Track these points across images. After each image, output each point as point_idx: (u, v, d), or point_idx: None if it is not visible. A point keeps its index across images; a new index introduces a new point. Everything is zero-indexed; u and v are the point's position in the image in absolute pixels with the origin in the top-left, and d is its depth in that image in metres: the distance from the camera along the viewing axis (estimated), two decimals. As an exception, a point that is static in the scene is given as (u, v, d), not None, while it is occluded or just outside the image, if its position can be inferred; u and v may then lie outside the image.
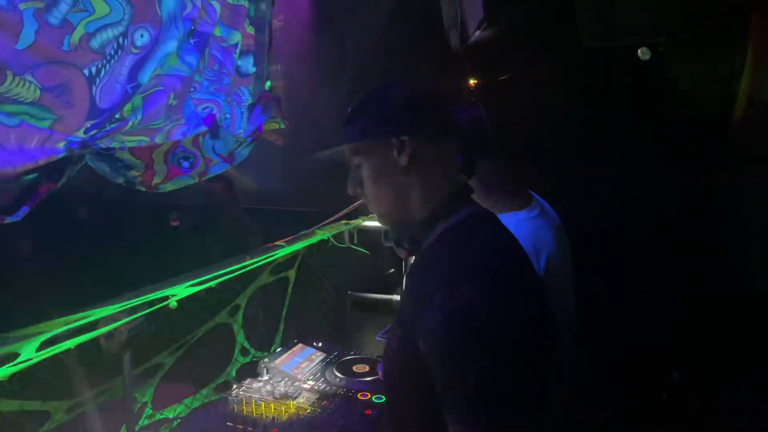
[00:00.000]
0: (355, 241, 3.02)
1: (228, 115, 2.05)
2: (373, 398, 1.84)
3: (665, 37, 2.76)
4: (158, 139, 1.82)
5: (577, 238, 1.72)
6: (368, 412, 1.75)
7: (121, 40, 1.51)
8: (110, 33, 1.48)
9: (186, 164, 1.91)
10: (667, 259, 2.80)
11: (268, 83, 2.24)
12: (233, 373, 2.43)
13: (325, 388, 1.92)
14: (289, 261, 2.81)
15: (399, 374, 1.05)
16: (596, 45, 2.63)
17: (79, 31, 1.42)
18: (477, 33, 2.71)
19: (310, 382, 1.96)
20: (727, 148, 2.79)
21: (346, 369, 2.04)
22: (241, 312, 2.53)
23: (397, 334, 1.07)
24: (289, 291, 2.87)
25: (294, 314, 2.77)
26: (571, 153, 2.89)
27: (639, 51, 2.87)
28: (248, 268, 2.21)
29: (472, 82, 2.89)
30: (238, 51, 2.05)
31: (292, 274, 2.87)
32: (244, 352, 2.53)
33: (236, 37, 2.05)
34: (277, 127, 2.49)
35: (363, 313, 3.06)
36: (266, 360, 2.10)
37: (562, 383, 1.65)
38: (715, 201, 2.78)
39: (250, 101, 2.15)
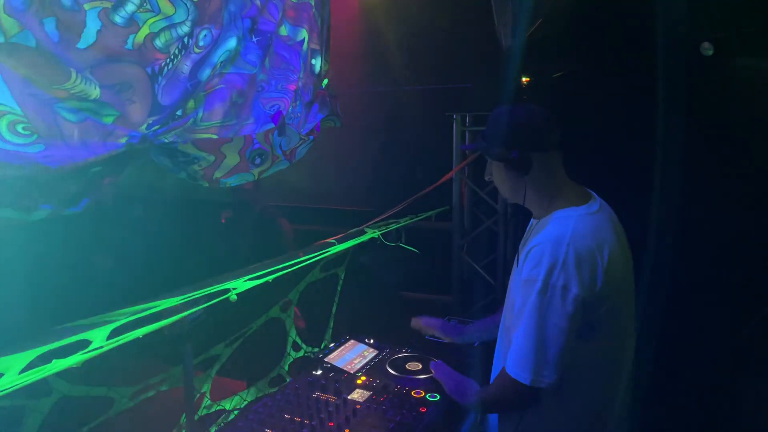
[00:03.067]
0: (403, 240, 3.02)
1: (299, 114, 2.09)
2: (426, 396, 1.83)
3: (728, 32, 2.66)
4: (228, 135, 1.85)
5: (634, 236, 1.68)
6: (423, 409, 1.75)
7: (186, 40, 1.55)
8: (175, 33, 1.52)
9: (258, 161, 1.95)
10: (727, 258, 2.69)
11: (325, 81, 2.26)
12: (286, 368, 2.47)
13: (378, 384, 1.92)
14: (339, 258, 2.84)
15: None
16: (660, 39, 2.55)
17: (144, 31, 1.47)
18: (532, 30, 2.67)
19: (364, 378, 1.97)
20: None
21: (399, 366, 2.04)
22: (292, 307, 2.57)
23: None
24: (339, 288, 2.90)
25: (344, 311, 2.79)
26: (632, 150, 2.81)
27: (702, 46, 2.77)
28: (300, 265, 2.24)
29: (525, 79, 2.84)
30: (305, 48, 2.08)
31: (341, 271, 2.90)
32: (296, 347, 2.56)
33: (302, 35, 2.08)
34: (333, 125, 2.51)
35: (412, 311, 3.06)
36: (320, 355, 2.12)
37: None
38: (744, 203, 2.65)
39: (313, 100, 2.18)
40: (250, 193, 3.93)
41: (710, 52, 2.74)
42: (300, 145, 2.37)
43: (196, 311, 1.64)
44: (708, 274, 2.68)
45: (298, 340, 2.57)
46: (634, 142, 2.77)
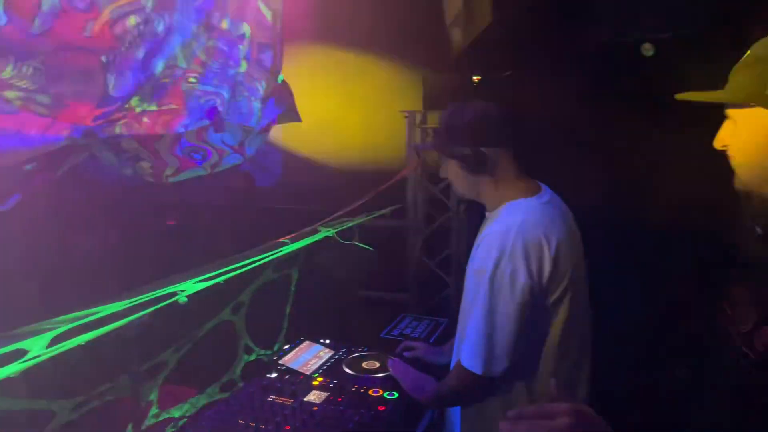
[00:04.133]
0: (357, 238, 3.00)
1: (243, 109, 2.02)
2: (384, 394, 1.82)
3: (669, 33, 2.77)
4: (157, 129, 1.77)
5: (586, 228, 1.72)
6: (381, 408, 1.73)
7: (141, 27, 1.47)
8: (132, 20, 1.44)
9: (198, 156, 1.88)
10: (669, 251, 2.80)
11: (281, 77, 2.21)
12: (238, 372, 2.40)
13: (335, 384, 1.89)
14: (293, 258, 2.78)
15: None
16: (603, 39, 2.64)
17: (104, 17, 1.38)
18: (483, 29, 2.70)
19: (320, 379, 1.93)
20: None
21: (356, 365, 2.02)
22: (244, 309, 2.50)
23: None
24: (292, 288, 2.84)
25: (298, 312, 2.74)
26: (574, 146, 2.89)
27: (642, 47, 2.88)
28: (252, 266, 2.19)
29: (476, 78, 2.88)
30: (247, 42, 2.02)
31: (295, 271, 2.84)
32: (248, 350, 2.49)
33: (243, 29, 2.03)
34: (294, 121, 2.47)
35: (367, 310, 3.04)
36: (274, 357, 2.07)
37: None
38: (715, 196, 2.78)
39: (264, 94, 2.13)
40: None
41: (651, 53, 2.85)
42: (248, 137, 2.30)
43: (142, 315, 1.57)
44: (649, 264, 2.79)
45: (251, 343, 2.51)
46: (581, 139, 2.85)
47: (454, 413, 1.82)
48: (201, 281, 1.85)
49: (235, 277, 2.09)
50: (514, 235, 1.48)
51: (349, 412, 1.69)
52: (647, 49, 2.86)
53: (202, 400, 2.20)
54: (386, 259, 3.20)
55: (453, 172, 1.70)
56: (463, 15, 2.97)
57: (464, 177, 1.67)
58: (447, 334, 2.57)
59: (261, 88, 2.20)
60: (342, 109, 3.05)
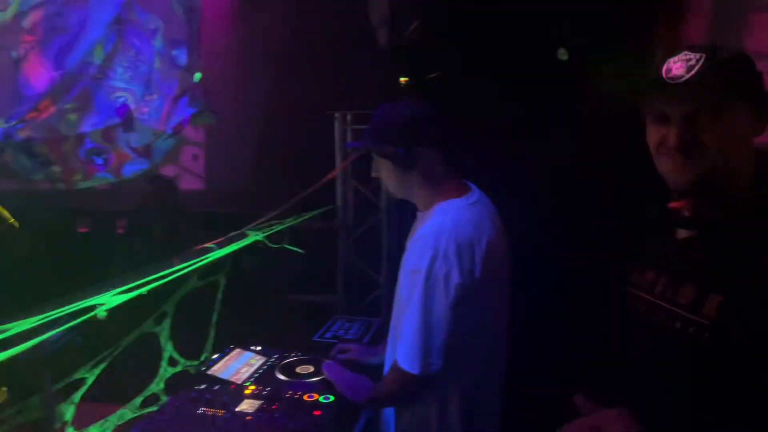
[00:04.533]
0: (287, 241, 2.94)
1: (153, 107, 1.92)
2: (320, 399, 1.79)
3: (582, 40, 2.92)
4: (64, 129, 1.66)
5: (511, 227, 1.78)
6: (317, 413, 1.70)
7: (54, 20, 1.36)
8: (44, 11, 1.33)
9: (99, 160, 1.76)
10: (585, 249, 2.95)
11: (198, 75, 2.12)
12: (162, 385, 2.28)
13: (268, 392, 1.84)
14: (219, 264, 2.69)
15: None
16: (519, 43, 2.74)
17: (14, 9, 1.26)
18: (409, 32, 2.73)
19: (252, 387, 1.88)
20: (639, 149, 2.99)
21: (289, 371, 1.98)
22: (168, 320, 2.38)
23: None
24: (220, 295, 2.74)
25: (226, 319, 2.64)
26: (495, 148, 2.98)
27: (558, 52, 3.02)
28: (176, 274, 2.10)
29: (403, 79, 2.90)
30: (159, 37, 1.92)
31: (222, 277, 2.75)
32: (173, 362, 2.38)
33: (155, 23, 1.93)
34: (208, 122, 2.37)
35: (299, 314, 2.99)
36: (202, 368, 1.99)
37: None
38: (624, 199, 2.97)
39: (178, 93, 2.03)
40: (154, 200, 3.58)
41: (565, 57, 2.99)
42: (155, 141, 2.20)
43: (56, 333, 1.45)
44: (569, 263, 2.92)
45: (176, 355, 2.39)
46: (503, 140, 2.94)
47: (389, 413, 1.83)
48: (121, 293, 1.74)
49: (159, 286, 1.99)
50: (447, 236, 1.50)
51: (284, 420, 1.65)
52: (562, 54, 3.00)
53: (124, 417, 2.07)
54: (317, 261, 3.17)
55: (385, 171, 1.70)
56: (389, 16, 2.99)
57: (396, 176, 1.67)
58: (380, 334, 2.57)
59: (173, 86, 2.10)
60: (269, 109, 2.98)
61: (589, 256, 2.73)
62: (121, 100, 1.85)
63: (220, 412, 1.70)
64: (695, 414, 1.06)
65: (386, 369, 1.81)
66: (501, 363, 1.69)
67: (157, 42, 1.88)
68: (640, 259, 1.27)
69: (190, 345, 2.52)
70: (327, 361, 1.95)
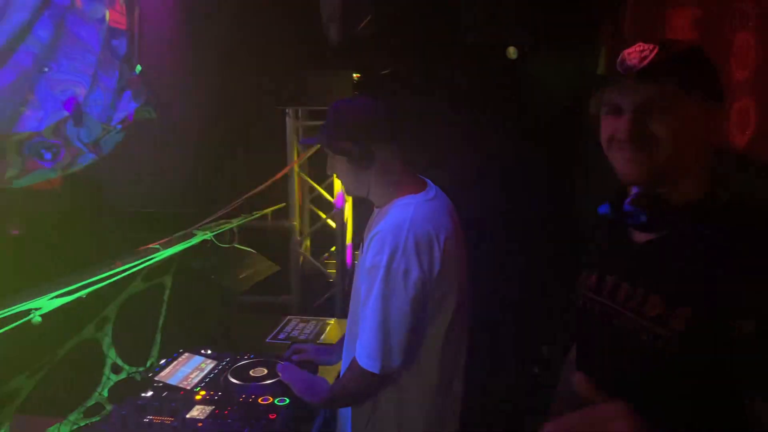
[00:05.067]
0: (237, 241, 2.85)
1: (100, 101, 1.81)
2: (275, 401, 1.74)
3: (530, 39, 2.98)
4: (4, 127, 1.54)
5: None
6: (272, 416, 1.64)
7: None
8: None
9: (48, 155, 1.64)
10: (535, 241, 3.01)
11: (138, 67, 2.01)
12: (105, 394, 2.16)
13: (220, 397, 1.77)
14: (165, 265, 2.57)
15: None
16: (472, 41, 2.76)
17: None
18: (360, 27, 2.70)
19: (203, 393, 1.80)
20: (582, 144, 3.08)
21: (242, 374, 1.90)
22: (110, 325, 2.26)
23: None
24: (166, 298, 2.63)
25: (174, 323, 2.53)
26: (449, 143, 2.99)
27: (507, 50, 3.07)
28: (118, 276, 1.99)
29: (355, 75, 2.87)
30: (105, 27, 1.82)
31: (168, 279, 2.63)
32: (116, 369, 2.26)
33: (100, 11, 1.82)
34: (148, 116, 2.27)
35: (250, 315, 2.90)
36: (149, 374, 1.89)
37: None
38: (572, 189, 3.05)
39: (119, 85, 1.92)
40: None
41: (515, 56, 3.05)
42: (104, 135, 2.08)
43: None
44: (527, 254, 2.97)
45: (119, 361, 2.27)
46: (457, 136, 2.96)
47: (345, 413, 1.79)
48: (59, 296, 1.63)
49: (99, 289, 1.88)
50: (405, 231, 1.49)
51: (237, 425, 1.59)
52: (511, 53, 3.05)
53: (63, 429, 1.95)
54: (270, 261, 3.09)
55: (341, 168, 1.66)
56: (340, 11, 2.94)
57: (352, 174, 1.64)
58: (334, 334, 2.53)
59: (114, 78, 1.99)
60: (218, 105, 2.88)
61: (544, 255, 2.78)
62: (68, 93, 1.73)
63: (169, 420, 1.62)
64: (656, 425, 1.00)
65: (344, 368, 1.77)
66: (461, 359, 1.69)
67: (103, 31, 1.77)
68: (598, 263, 1.22)
69: (135, 351, 2.40)
70: (282, 363, 1.89)
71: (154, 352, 2.47)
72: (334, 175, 1.76)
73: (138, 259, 2.14)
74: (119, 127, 2.09)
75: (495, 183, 3.03)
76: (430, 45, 2.95)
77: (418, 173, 1.74)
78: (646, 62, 1.03)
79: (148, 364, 2.31)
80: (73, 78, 1.71)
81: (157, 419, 1.62)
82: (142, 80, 2.08)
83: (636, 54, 1.05)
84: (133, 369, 2.28)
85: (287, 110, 2.94)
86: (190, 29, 2.62)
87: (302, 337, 2.46)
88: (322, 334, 2.48)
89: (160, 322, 2.55)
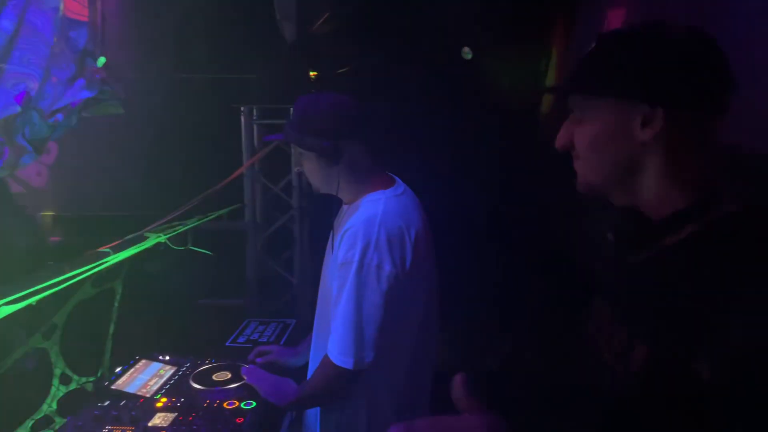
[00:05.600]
0: (191, 243, 2.76)
1: (49, 94, 1.71)
2: (242, 405, 1.69)
3: (484, 39, 3.04)
4: None
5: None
6: (239, 420, 1.60)
7: None
8: None
9: None
10: (494, 235, 3.07)
11: (102, 59, 1.92)
12: (54, 406, 2.04)
13: (183, 403, 1.70)
14: (114, 270, 2.46)
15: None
16: (428, 41, 2.79)
17: None
18: (317, 25, 2.68)
19: (164, 400, 1.73)
20: (534, 140, 3.16)
21: (205, 379, 1.84)
22: (59, 333, 2.14)
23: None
24: (116, 304, 2.52)
25: (127, 329, 2.43)
26: (405, 143, 3.01)
27: (462, 51, 3.12)
28: (68, 282, 1.89)
29: (313, 73, 2.84)
30: (59, 17, 1.72)
31: (118, 284, 2.52)
32: (65, 379, 2.14)
33: (55, 0, 1.72)
34: (115, 111, 2.17)
35: (208, 319, 2.82)
36: (105, 383, 1.81)
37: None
38: (522, 186, 3.13)
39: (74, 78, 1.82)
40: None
41: (469, 56, 3.10)
42: (51, 133, 1.97)
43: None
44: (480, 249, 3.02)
45: (69, 371, 2.16)
46: (416, 134, 2.98)
47: (313, 414, 1.77)
48: (6, 304, 1.53)
49: (47, 296, 1.78)
50: (377, 226, 1.48)
51: (204, 430, 1.53)
52: (466, 53, 3.10)
53: (12, 445, 1.83)
54: (225, 263, 3.01)
55: (309, 165, 1.64)
56: (294, 10, 2.91)
57: (321, 170, 1.62)
58: (296, 335, 2.49)
59: (70, 71, 1.88)
60: (172, 102, 2.78)
61: (491, 252, 2.82)
62: (21, 87, 1.62)
63: (130, 429, 1.54)
64: None
65: (312, 367, 1.75)
66: (430, 356, 1.69)
67: (58, 21, 1.67)
68: (597, 282, 1.08)
69: (84, 360, 2.28)
70: (246, 366, 1.85)
71: (106, 360, 2.36)
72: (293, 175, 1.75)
73: (88, 264, 2.04)
74: (60, 117, 1.96)
75: (449, 181, 3.07)
76: (386, 44, 2.96)
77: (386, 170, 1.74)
78: (576, 67, 0.94)
79: (99, 374, 2.21)
80: (25, 71, 1.60)
81: (116, 429, 1.54)
82: (104, 73, 1.98)
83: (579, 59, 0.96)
84: (84, 379, 2.17)
85: (242, 108, 2.88)
86: (145, 24, 2.52)
87: (263, 339, 2.41)
88: (284, 336, 2.44)
89: (111, 329, 2.44)
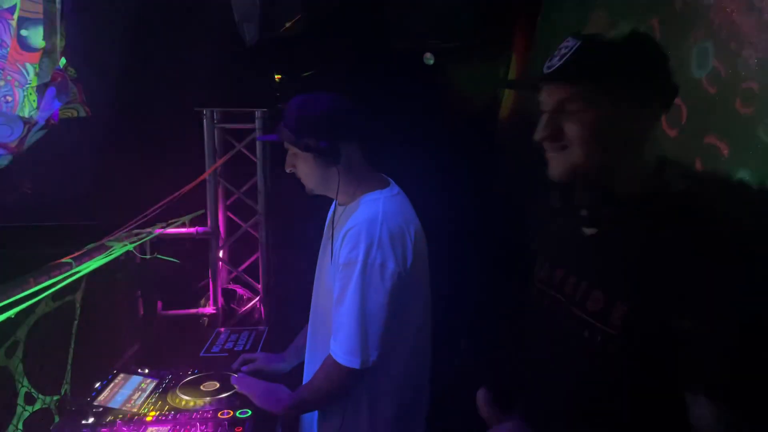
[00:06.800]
0: (150, 253, 2.65)
1: (9, 97, 1.60)
2: (237, 414, 1.65)
3: (445, 44, 3.12)
4: None
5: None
6: (238, 429, 1.56)
7: None
8: None
9: None
10: (457, 239, 3.14)
11: (63, 60, 1.81)
12: (20, 427, 1.91)
13: (175, 416, 1.64)
14: (75, 282, 2.33)
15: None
16: (393, 46, 2.83)
17: None
18: (286, 28, 2.65)
19: (154, 413, 1.66)
20: (494, 145, 3.28)
21: (192, 390, 1.78)
22: (21, 349, 2.00)
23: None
24: (77, 318, 2.38)
25: (88, 344, 2.29)
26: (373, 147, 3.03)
27: (424, 56, 3.19)
28: (37, 298, 1.80)
29: (277, 76, 2.80)
30: (15, 17, 1.62)
31: (78, 296, 2.38)
32: (30, 399, 2.01)
33: (12, 0, 1.62)
34: (76, 115, 2.05)
35: (172, 330, 2.71)
36: (87, 399, 1.71)
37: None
38: (486, 188, 3.24)
39: (34, 81, 1.71)
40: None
41: (431, 62, 3.17)
42: (27, 133, 1.86)
43: None
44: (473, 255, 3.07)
45: (33, 391, 2.02)
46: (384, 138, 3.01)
47: (310, 418, 1.76)
48: (-20, 318, 1.42)
49: (8, 308, 1.67)
50: (380, 225, 1.50)
51: (204, 443, 1.49)
52: (428, 58, 3.17)
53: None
54: (188, 271, 2.91)
55: (304, 166, 1.63)
56: (257, 12, 2.86)
57: (318, 170, 1.62)
58: (271, 342, 2.45)
59: (27, 73, 1.77)
60: (132, 105, 2.65)
61: (497, 251, 2.87)
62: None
63: (124, 446, 1.47)
64: (596, 426, 1.00)
65: (307, 369, 1.74)
66: (428, 354, 1.72)
67: (14, 22, 1.57)
68: (549, 254, 1.20)
69: (45, 378, 2.14)
70: (236, 375, 1.80)
71: (67, 377, 2.23)
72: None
73: (53, 276, 1.92)
74: (41, 123, 1.86)
75: (416, 184, 3.12)
76: (351, 49, 2.97)
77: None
78: (562, 61, 0.99)
79: (63, 392, 2.08)
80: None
81: (110, 447, 1.46)
82: (68, 76, 1.87)
83: (558, 52, 1.01)
84: (48, 398, 2.04)
85: (204, 112, 2.80)
86: (107, 25, 2.41)
87: (238, 348, 2.35)
88: (259, 343, 2.39)
89: (72, 344, 2.30)
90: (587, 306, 1.02)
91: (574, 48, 0.98)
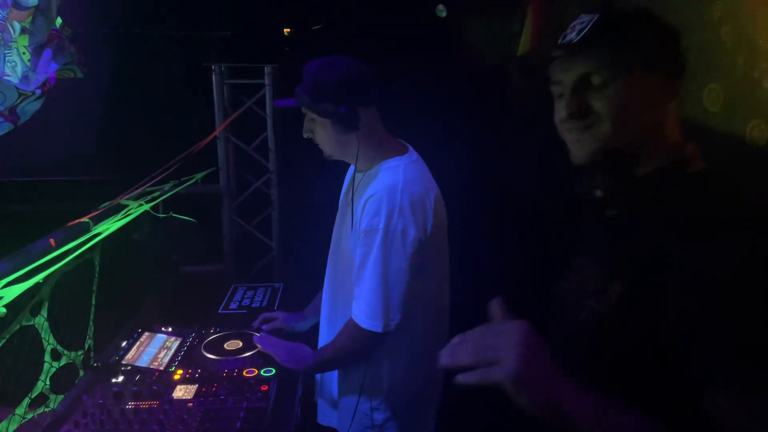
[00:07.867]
0: (164, 211, 2.67)
1: (15, 62, 1.57)
2: (262, 372, 1.71)
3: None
4: None
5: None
6: (264, 387, 1.62)
7: None
8: None
9: None
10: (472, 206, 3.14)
11: (59, 20, 1.75)
12: (48, 382, 1.98)
13: (201, 374, 1.70)
14: (91, 241, 2.36)
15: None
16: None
17: None
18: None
19: (180, 372, 1.72)
20: (508, 100, 3.23)
21: (217, 349, 1.84)
22: (45, 308, 2.05)
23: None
24: (96, 276, 2.42)
25: (108, 301, 2.35)
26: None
27: (437, 8, 3.09)
28: (52, 254, 1.81)
29: (286, 30, 2.73)
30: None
31: (97, 255, 2.42)
32: (56, 355, 2.07)
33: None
34: (72, 75, 2.01)
35: (190, 287, 2.76)
36: (115, 357, 1.77)
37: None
38: (500, 144, 3.21)
39: (22, 40, 1.66)
40: None
41: (444, 14, 3.08)
42: (21, 102, 1.83)
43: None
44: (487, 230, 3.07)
45: (59, 347, 2.08)
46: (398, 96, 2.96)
47: (329, 377, 1.82)
48: (11, 283, 1.45)
49: (35, 270, 1.70)
50: (400, 192, 1.50)
51: (232, 400, 1.55)
52: (440, 10, 3.08)
53: (13, 424, 1.77)
54: (200, 229, 2.93)
55: (322, 132, 1.62)
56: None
57: (337, 137, 1.60)
58: (287, 298, 2.50)
59: (13, 30, 1.70)
60: (140, 62, 2.60)
61: (515, 215, 2.86)
62: None
63: (155, 403, 1.53)
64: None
65: (323, 331, 1.79)
66: (445, 323, 1.76)
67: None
68: (571, 240, 1.17)
69: (70, 335, 2.21)
70: (258, 333, 1.85)
71: (90, 333, 2.29)
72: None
73: (74, 235, 1.94)
74: (39, 92, 1.83)
75: (424, 145, 3.10)
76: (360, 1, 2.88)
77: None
78: (582, 35, 0.96)
79: (87, 347, 2.14)
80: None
81: (143, 404, 1.53)
82: (64, 35, 1.81)
83: (575, 26, 0.98)
84: (73, 354, 2.10)
85: (213, 68, 2.75)
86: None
87: (255, 305, 2.41)
88: (276, 300, 2.44)
89: (93, 301, 2.36)
90: (587, 286, 1.02)
91: (592, 21, 0.96)
